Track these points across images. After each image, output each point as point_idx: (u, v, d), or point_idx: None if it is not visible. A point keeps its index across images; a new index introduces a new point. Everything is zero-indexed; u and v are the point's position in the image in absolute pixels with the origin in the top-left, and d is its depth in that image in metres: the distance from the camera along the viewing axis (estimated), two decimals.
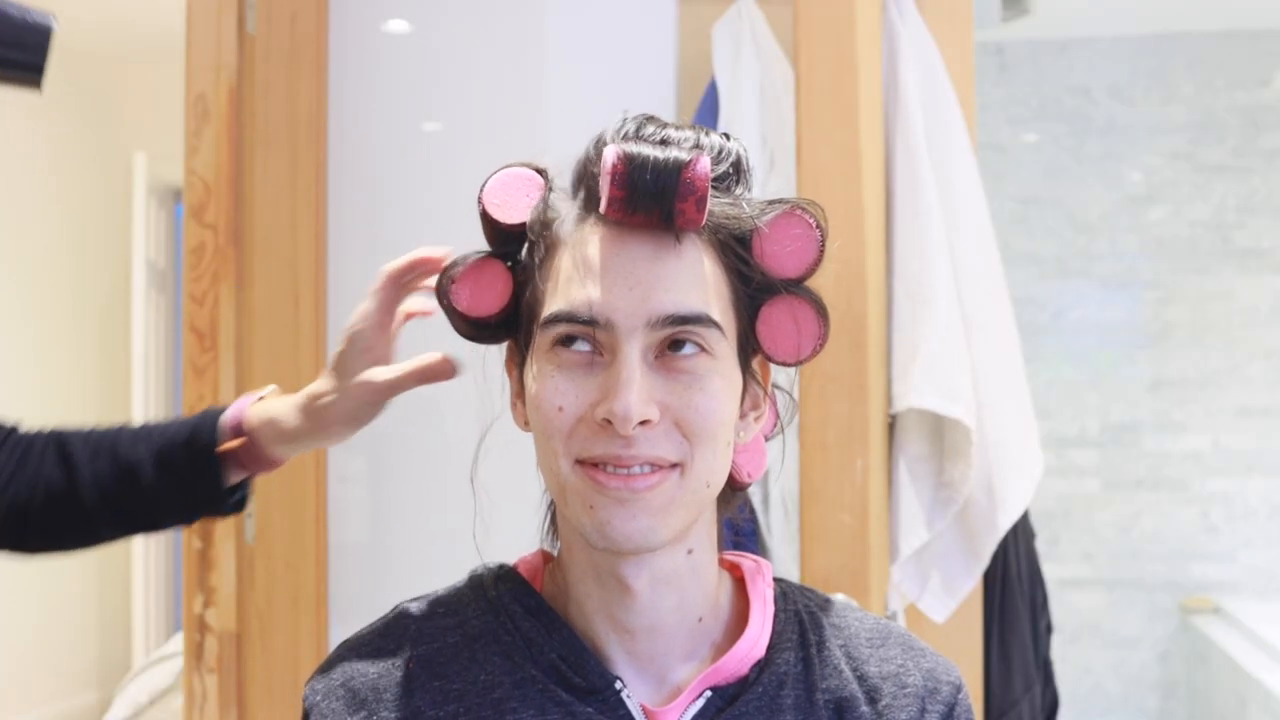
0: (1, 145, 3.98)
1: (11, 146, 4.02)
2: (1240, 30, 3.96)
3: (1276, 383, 3.94)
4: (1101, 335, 4.02)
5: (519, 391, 0.79)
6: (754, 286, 0.76)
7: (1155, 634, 3.97)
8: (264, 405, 0.94)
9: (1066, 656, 3.88)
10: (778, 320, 0.76)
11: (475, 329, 0.79)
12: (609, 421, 0.70)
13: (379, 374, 0.88)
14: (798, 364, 0.78)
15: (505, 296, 0.78)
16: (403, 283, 0.89)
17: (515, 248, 0.78)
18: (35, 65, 0.91)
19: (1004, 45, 4.03)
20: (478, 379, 0.83)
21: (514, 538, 0.91)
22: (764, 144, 1.78)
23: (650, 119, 0.75)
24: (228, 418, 0.94)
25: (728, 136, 0.77)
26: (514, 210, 0.77)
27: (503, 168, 0.78)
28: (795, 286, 0.76)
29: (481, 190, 0.78)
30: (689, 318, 0.71)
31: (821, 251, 0.75)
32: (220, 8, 1.74)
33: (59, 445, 0.96)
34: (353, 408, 0.89)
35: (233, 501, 0.97)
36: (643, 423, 0.70)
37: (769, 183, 1.76)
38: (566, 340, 0.72)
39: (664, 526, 0.72)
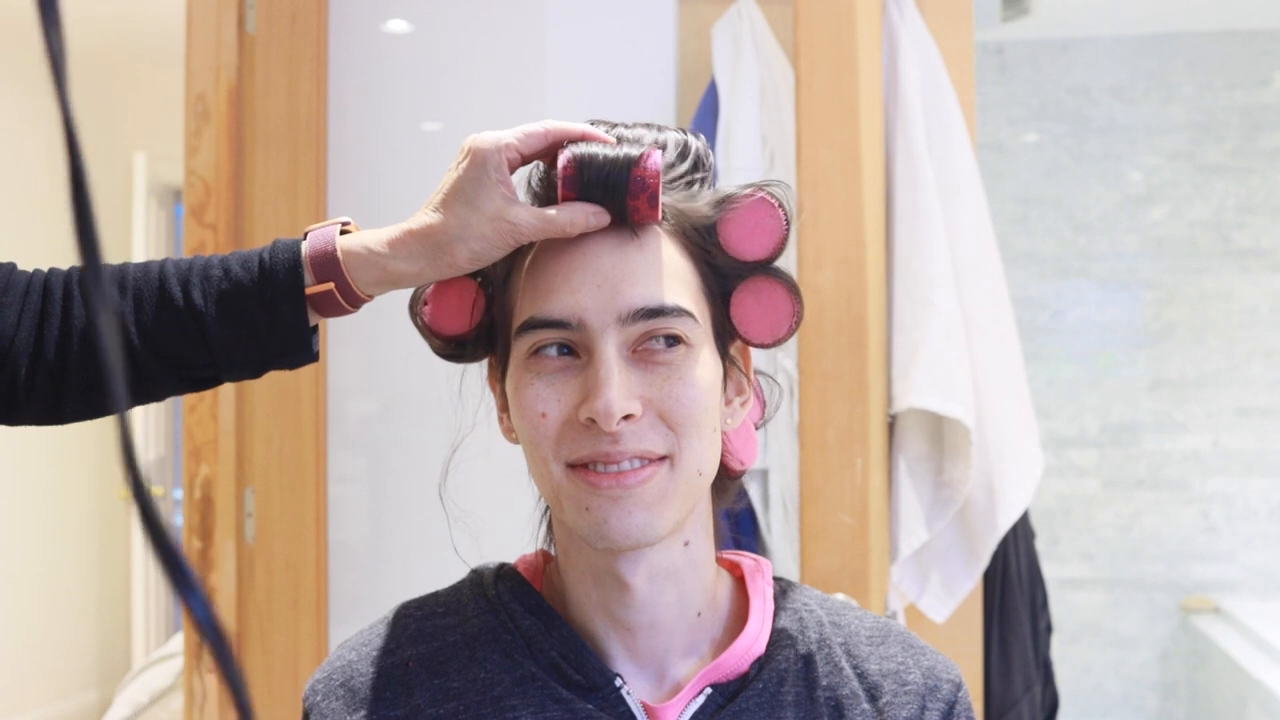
0: (1, 145, 3.98)
1: (11, 147, 4.02)
2: (1240, 30, 3.96)
3: (1276, 383, 3.94)
4: (1101, 335, 4.02)
5: (503, 405, 0.80)
6: (723, 273, 0.76)
7: (1155, 634, 3.97)
8: (357, 238, 0.78)
9: (1066, 656, 3.88)
10: (750, 303, 0.77)
11: (452, 347, 0.80)
12: (593, 421, 0.70)
13: (521, 214, 0.73)
14: (775, 344, 0.78)
15: (479, 311, 0.78)
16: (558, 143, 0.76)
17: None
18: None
19: (1004, 45, 4.03)
20: (454, 396, 0.84)
21: (503, 542, 0.91)
22: (764, 144, 1.78)
23: (598, 121, 0.77)
24: (309, 254, 0.78)
25: (685, 131, 0.78)
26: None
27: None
28: (764, 268, 0.77)
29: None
30: (659, 310, 0.72)
31: (786, 231, 0.76)
32: (220, 8, 1.74)
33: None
34: (481, 249, 0.74)
35: (312, 352, 0.82)
36: (626, 417, 0.70)
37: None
38: (542, 346, 0.72)
39: (660, 519, 0.72)
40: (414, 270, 0.76)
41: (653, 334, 0.72)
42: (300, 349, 0.80)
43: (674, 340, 0.72)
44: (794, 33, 1.56)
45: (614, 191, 0.72)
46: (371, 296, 0.80)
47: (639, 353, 0.72)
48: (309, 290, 0.78)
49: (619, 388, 0.70)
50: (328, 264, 0.77)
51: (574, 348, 0.72)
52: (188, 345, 0.79)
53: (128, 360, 0.79)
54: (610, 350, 0.71)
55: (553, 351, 0.72)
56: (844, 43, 1.54)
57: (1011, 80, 4.05)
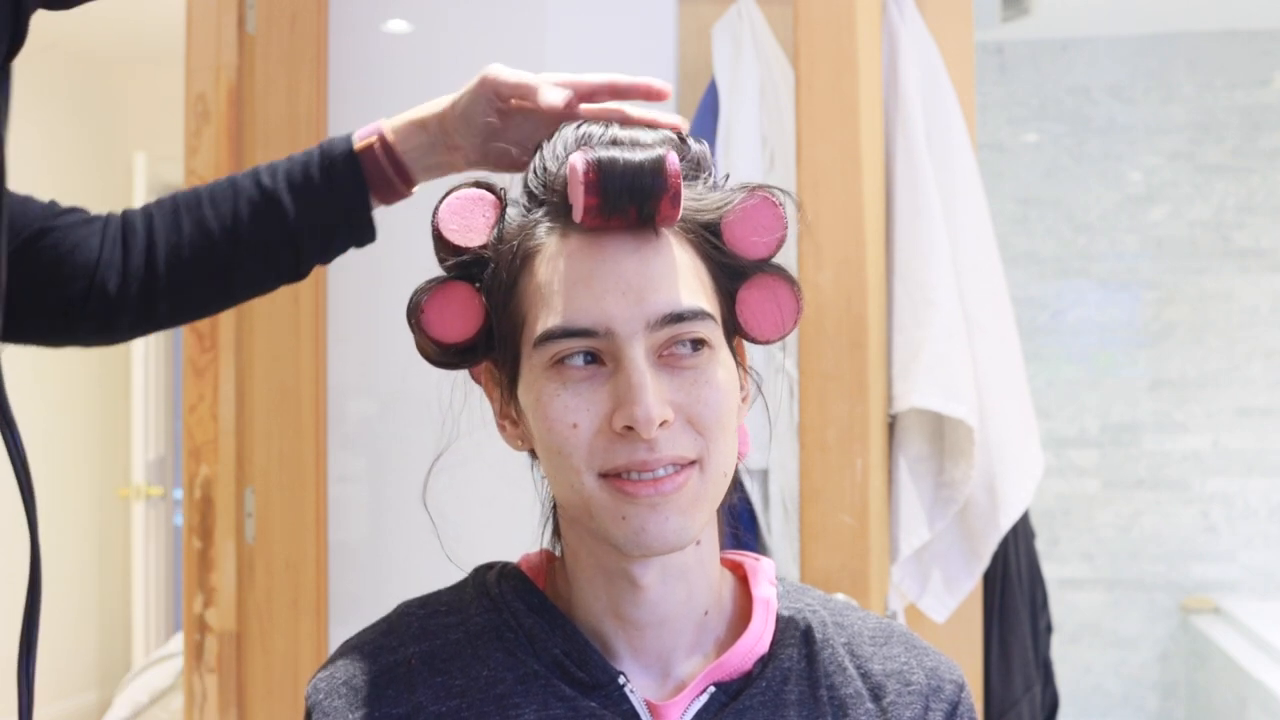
0: None
1: (11, 146, 4.02)
2: (1240, 30, 3.96)
3: (1276, 383, 3.94)
4: (1101, 335, 4.02)
5: (504, 413, 0.79)
6: (729, 271, 0.77)
7: (1155, 634, 3.97)
8: (398, 116, 0.93)
9: (1066, 656, 3.88)
10: (757, 301, 0.77)
11: (449, 355, 0.78)
12: (629, 428, 0.69)
13: (502, 71, 0.87)
14: (779, 340, 0.78)
15: (480, 318, 0.77)
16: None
17: (477, 270, 0.77)
18: None
19: (1004, 45, 4.03)
20: (449, 402, 0.83)
21: (502, 544, 0.90)
22: (764, 144, 1.78)
23: (588, 121, 0.76)
24: (359, 133, 0.93)
25: (674, 130, 0.79)
26: (473, 233, 0.76)
27: (452, 190, 0.77)
28: (767, 265, 0.77)
29: (435, 216, 0.77)
30: (685, 315, 0.71)
31: (787, 228, 0.77)
32: (220, 8, 1.74)
33: (163, 206, 0.93)
34: (469, 103, 0.89)
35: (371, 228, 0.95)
36: (661, 423, 0.70)
37: (769, 183, 1.76)
38: (566, 355, 0.71)
39: (694, 523, 0.72)
40: (436, 123, 0.92)
41: (678, 338, 0.72)
42: (361, 214, 0.93)
43: (697, 344, 0.72)
44: (794, 33, 1.56)
45: (641, 195, 0.71)
46: (416, 176, 0.93)
47: (664, 357, 0.72)
48: (357, 146, 0.92)
49: (654, 393, 0.69)
50: (370, 131, 0.92)
51: (599, 355, 0.71)
52: (264, 224, 0.91)
53: (214, 257, 0.92)
54: (639, 356, 0.70)
55: (578, 360, 0.71)
56: (844, 43, 1.54)
57: (1011, 80, 4.05)
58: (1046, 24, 3.80)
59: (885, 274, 1.62)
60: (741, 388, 0.79)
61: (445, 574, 0.86)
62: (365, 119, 1.80)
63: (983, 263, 1.68)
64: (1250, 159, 3.97)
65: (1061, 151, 4.04)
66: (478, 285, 0.77)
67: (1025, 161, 4.04)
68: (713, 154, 1.82)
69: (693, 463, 0.72)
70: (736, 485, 0.80)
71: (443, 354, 0.78)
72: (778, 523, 1.73)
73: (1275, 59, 3.97)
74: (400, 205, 0.98)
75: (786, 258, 0.79)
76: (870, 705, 0.77)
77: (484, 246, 0.76)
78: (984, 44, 3.97)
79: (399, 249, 1.86)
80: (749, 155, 1.75)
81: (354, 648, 0.80)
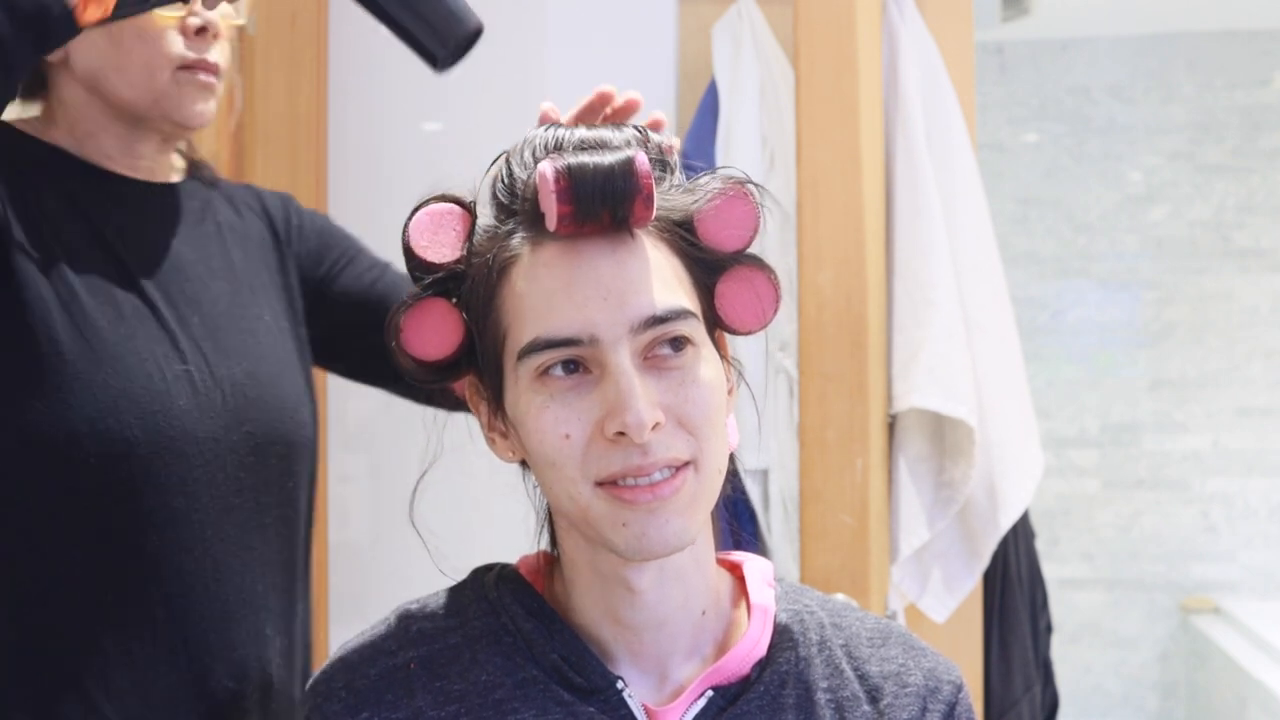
0: None
1: None
2: (1240, 30, 3.96)
3: (1276, 383, 3.94)
4: (1101, 335, 4.02)
5: (493, 425, 0.78)
6: (705, 265, 0.76)
7: (1155, 634, 3.97)
8: None
9: (1066, 656, 3.87)
10: (736, 293, 0.77)
11: (431, 372, 0.77)
12: (621, 434, 0.69)
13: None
14: (761, 329, 0.78)
15: (459, 333, 0.76)
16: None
17: (454, 284, 0.76)
18: (439, 54, 0.92)
19: (1004, 45, 4.02)
20: (425, 419, 0.83)
21: (490, 548, 0.90)
22: (764, 144, 1.78)
23: (553, 124, 0.76)
24: None
25: (637, 128, 0.77)
26: (445, 248, 0.75)
27: (421, 205, 0.76)
28: (743, 257, 0.77)
29: (405, 233, 0.76)
30: (668, 315, 0.71)
31: (760, 219, 0.76)
32: None
33: None
34: None
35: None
36: (653, 427, 0.69)
37: (769, 183, 1.76)
38: (549, 366, 0.71)
39: (693, 524, 0.72)
40: None
41: (661, 339, 0.71)
42: None
43: (681, 343, 0.72)
44: (794, 33, 1.56)
45: (614, 199, 0.70)
46: None
47: (649, 359, 0.71)
48: None
49: (644, 398, 0.69)
50: None
51: (583, 363, 0.71)
52: None
53: None
54: (626, 361, 0.70)
55: (560, 370, 0.71)
56: (844, 43, 1.54)
57: (1011, 80, 4.05)
58: (1046, 24, 3.79)
59: (885, 274, 1.62)
60: (727, 379, 0.79)
61: (444, 575, 0.86)
62: (365, 119, 1.80)
63: (983, 263, 1.68)
64: (1250, 159, 3.96)
65: (1061, 151, 4.04)
66: (455, 300, 0.76)
67: (1025, 161, 4.04)
68: (713, 154, 1.82)
69: (687, 464, 0.72)
70: (733, 481, 0.80)
71: (424, 371, 0.77)
72: (778, 523, 1.74)
73: (1275, 59, 3.97)
74: (397, 210, 0.98)
75: (785, 254, 0.79)
76: (867, 708, 0.77)
77: (457, 261, 0.75)
78: (984, 44, 3.97)
79: (399, 251, 1.86)
80: (749, 155, 1.75)
81: (353, 650, 0.80)
